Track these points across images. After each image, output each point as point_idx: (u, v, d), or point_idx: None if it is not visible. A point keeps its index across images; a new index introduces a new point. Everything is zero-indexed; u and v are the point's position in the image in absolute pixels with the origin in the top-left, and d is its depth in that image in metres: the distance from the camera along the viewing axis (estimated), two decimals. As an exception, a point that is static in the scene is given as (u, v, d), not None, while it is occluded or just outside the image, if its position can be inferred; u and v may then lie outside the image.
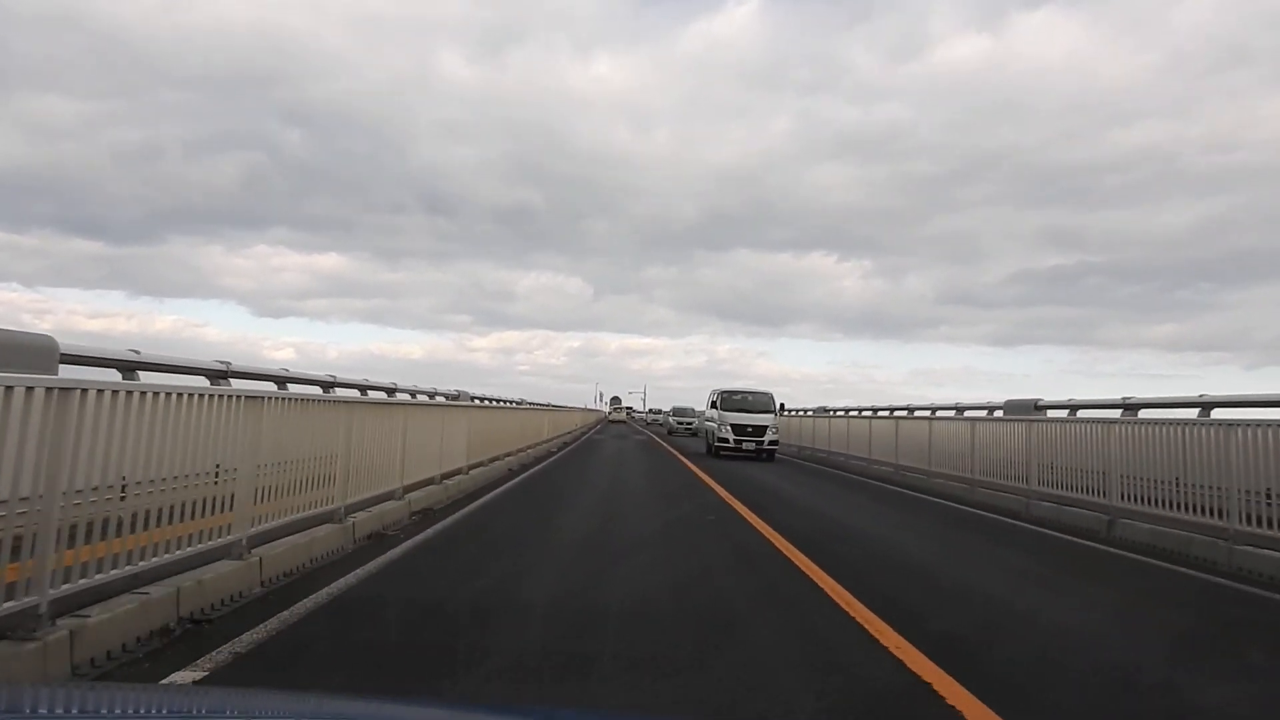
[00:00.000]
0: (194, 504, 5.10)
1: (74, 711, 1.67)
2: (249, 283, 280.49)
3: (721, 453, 21.93)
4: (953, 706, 3.83)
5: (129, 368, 7.74)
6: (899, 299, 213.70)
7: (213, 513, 5.32)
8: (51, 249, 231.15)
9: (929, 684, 4.13)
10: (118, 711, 1.67)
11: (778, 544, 8.54)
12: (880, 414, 23.04)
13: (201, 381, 8.61)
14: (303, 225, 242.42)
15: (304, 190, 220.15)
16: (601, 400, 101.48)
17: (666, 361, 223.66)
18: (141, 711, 1.68)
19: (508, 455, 17.42)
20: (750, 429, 21.77)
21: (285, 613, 5.12)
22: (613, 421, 74.67)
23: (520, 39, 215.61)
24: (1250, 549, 8.06)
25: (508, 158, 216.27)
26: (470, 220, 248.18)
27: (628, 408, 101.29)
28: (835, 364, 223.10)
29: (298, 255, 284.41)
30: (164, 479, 4.72)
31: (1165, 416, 10.79)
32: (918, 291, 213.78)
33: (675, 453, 26.10)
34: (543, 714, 2.39)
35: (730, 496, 13.04)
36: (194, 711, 1.75)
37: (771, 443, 21.97)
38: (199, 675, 3.94)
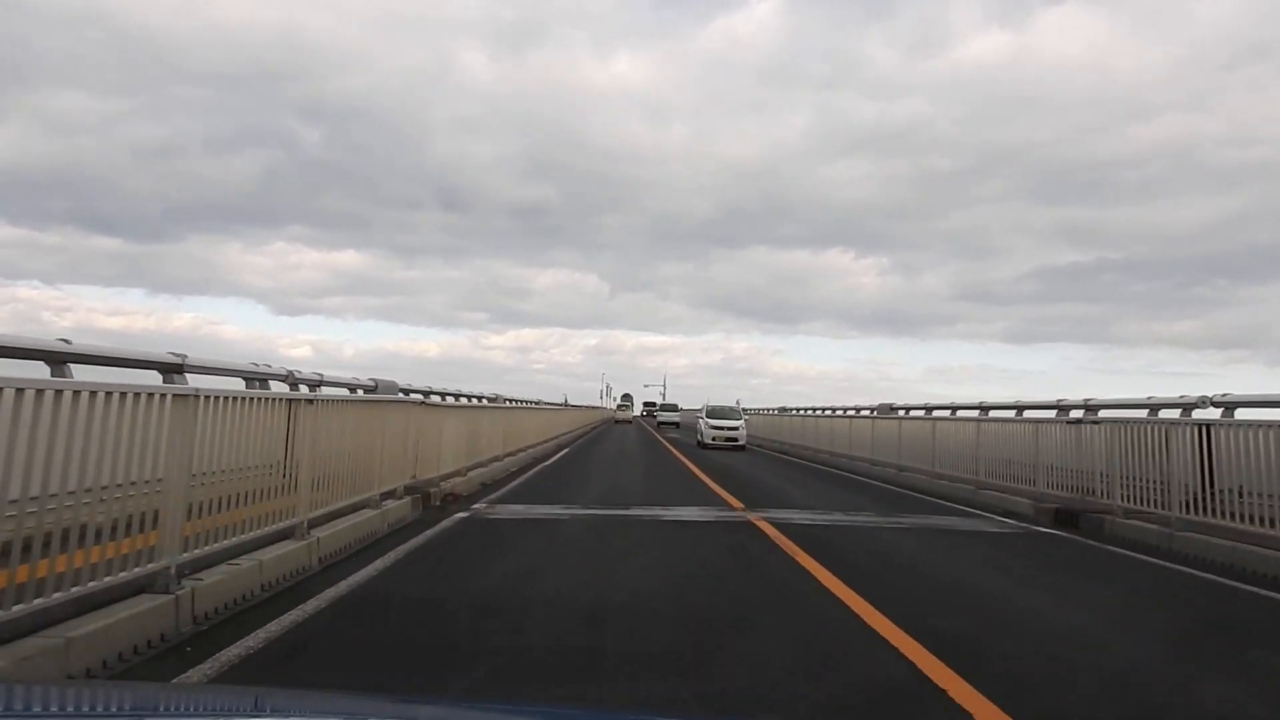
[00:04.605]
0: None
1: (75, 710, 1.68)
2: (267, 280, 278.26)
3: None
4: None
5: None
6: (915, 296, 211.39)
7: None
8: (71, 245, 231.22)
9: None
10: (118, 710, 1.69)
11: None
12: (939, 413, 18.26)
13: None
14: (320, 222, 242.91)
15: (321, 187, 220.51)
16: (608, 395, 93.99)
17: (682, 359, 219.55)
18: (142, 710, 1.70)
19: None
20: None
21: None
22: (618, 422, 66.19)
23: (539, 36, 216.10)
24: None
25: (523, 154, 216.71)
26: (486, 217, 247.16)
27: (648, 403, 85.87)
28: (851, 361, 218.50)
29: (315, 252, 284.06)
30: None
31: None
32: (934, 288, 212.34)
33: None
34: (544, 712, 2.41)
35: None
36: (195, 710, 1.79)
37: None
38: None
